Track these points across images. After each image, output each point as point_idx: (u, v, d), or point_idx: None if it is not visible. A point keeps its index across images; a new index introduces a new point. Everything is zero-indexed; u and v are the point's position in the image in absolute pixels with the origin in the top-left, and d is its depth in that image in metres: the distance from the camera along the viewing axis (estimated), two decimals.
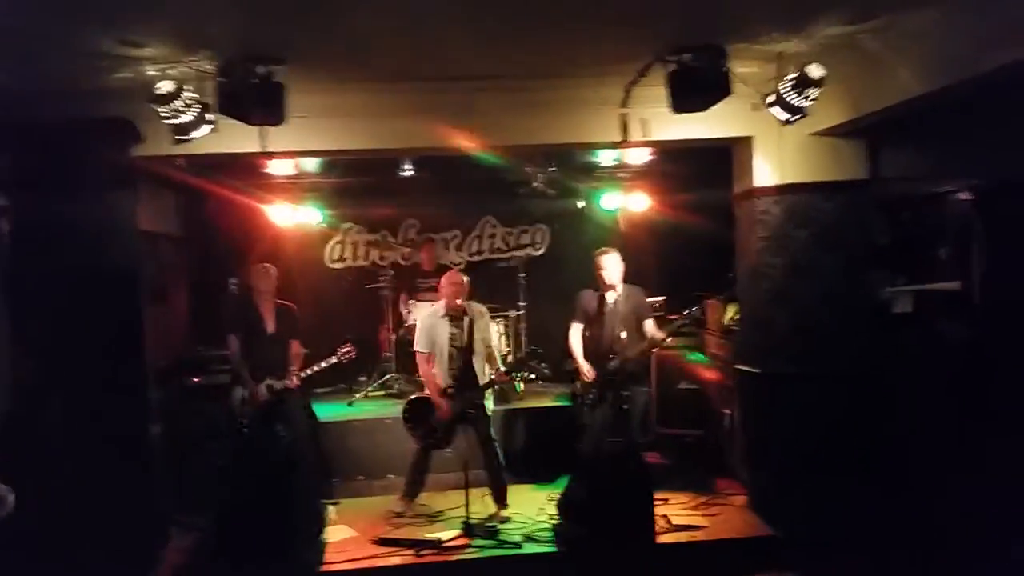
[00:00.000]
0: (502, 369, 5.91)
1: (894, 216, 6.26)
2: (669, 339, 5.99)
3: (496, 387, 6.01)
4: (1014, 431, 5.14)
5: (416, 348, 5.94)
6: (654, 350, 6.34)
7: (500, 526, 5.55)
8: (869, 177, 5.59)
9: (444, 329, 5.80)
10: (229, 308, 6.26)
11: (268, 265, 6.10)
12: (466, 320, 5.72)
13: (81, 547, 4.60)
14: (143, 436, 5.30)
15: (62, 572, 4.48)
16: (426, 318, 5.97)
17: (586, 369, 5.88)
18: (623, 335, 5.72)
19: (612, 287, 5.85)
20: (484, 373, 5.82)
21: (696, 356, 7.08)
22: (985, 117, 5.23)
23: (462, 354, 5.72)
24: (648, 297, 6.21)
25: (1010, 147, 5.34)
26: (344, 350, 6.09)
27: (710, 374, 6.87)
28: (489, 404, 5.90)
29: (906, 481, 5.37)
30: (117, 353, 5.08)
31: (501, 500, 5.81)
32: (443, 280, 5.90)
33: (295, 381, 5.91)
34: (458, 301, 5.75)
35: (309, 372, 6.02)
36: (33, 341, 4.84)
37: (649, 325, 5.89)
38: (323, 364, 6.03)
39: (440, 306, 5.90)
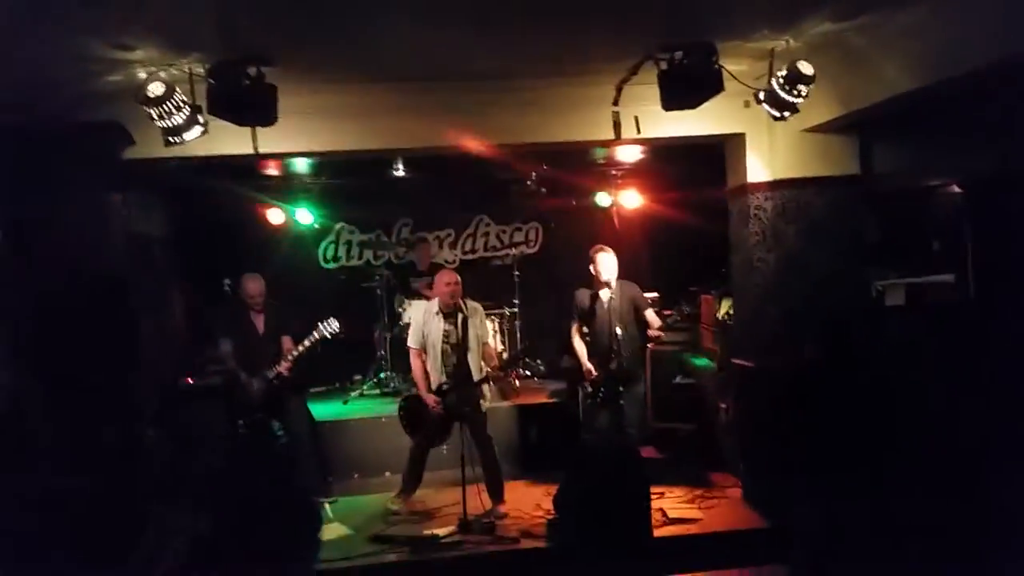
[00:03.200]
0: (496, 363, 5.91)
1: (885, 210, 6.27)
2: (662, 334, 6.03)
3: (491, 384, 6.01)
4: (1009, 423, 5.17)
5: (408, 344, 5.97)
6: (650, 345, 6.38)
7: (497, 522, 5.57)
8: (860, 172, 5.63)
9: (438, 326, 5.81)
10: (221, 314, 6.28)
11: (255, 274, 6.14)
12: (460, 317, 5.74)
13: (76, 549, 4.59)
14: (139, 438, 5.30)
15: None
16: (420, 315, 5.99)
17: (587, 367, 5.89)
18: (619, 331, 5.74)
19: (607, 284, 5.86)
20: (479, 370, 5.83)
21: (700, 360, 7.11)
22: (974, 111, 5.26)
23: (456, 351, 5.73)
24: (644, 293, 6.24)
25: (999, 141, 5.37)
26: (327, 323, 6.00)
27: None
28: (485, 401, 5.91)
29: (898, 473, 5.40)
30: (111, 356, 5.07)
31: (498, 496, 5.82)
32: (436, 279, 5.91)
33: (286, 366, 5.92)
34: (452, 300, 5.75)
35: (297, 352, 5.96)
36: (27, 345, 4.84)
37: (651, 315, 5.91)
38: (307, 342, 5.96)
39: (434, 304, 5.91)
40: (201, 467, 6.04)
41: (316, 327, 6.01)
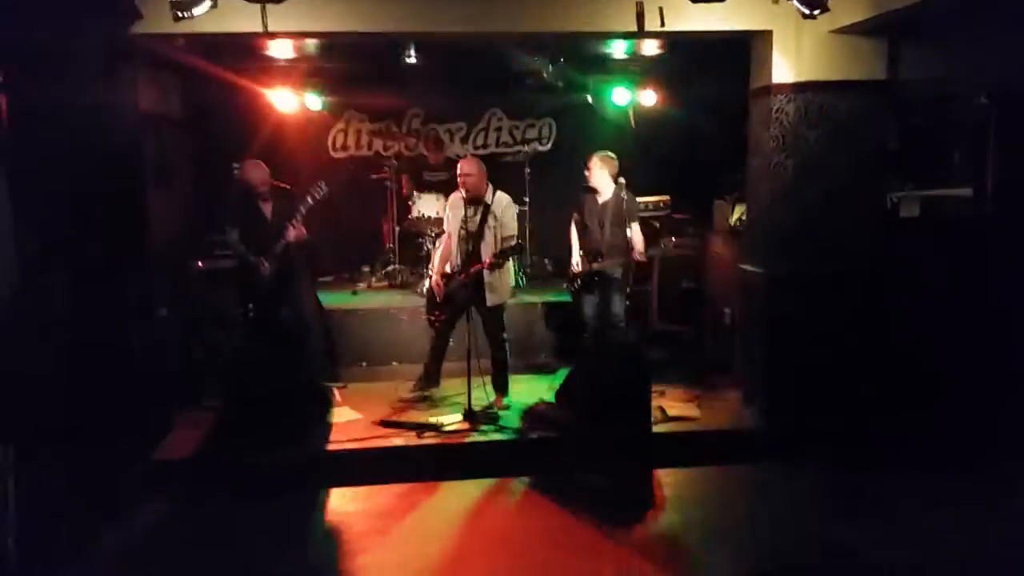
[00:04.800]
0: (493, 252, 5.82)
1: (909, 118, 6.12)
2: (643, 259, 6.15)
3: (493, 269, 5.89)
4: (1015, 337, 5.23)
5: (445, 228, 6.14)
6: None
7: (500, 413, 5.71)
8: (887, 78, 5.47)
9: (459, 214, 5.81)
10: (229, 203, 6.24)
11: (258, 162, 6.09)
12: (481, 206, 5.73)
13: (84, 427, 4.66)
14: (149, 316, 5.38)
15: (64, 453, 4.49)
16: (451, 201, 6.03)
17: (575, 260, 6.17)
18: (609, 235, 5.96)
19: (597, 190, 6.07)
20: None
21: None
22: (1005, 19, 5.06)
23: (472, 238, 5.76)
24: (655, 196, 6.23)
25: None
26: (316, 187, 5.96)
27: None
28: (506, 295, 5.95)
29: (898, 381, 5.49)
30: (120, 234, 5.08)
31: (503, 390, 5.95)
32: (458, 168, 5.82)
33: (291, 231, 5.88)
34: (465, 191, 5.68)
35: (297, 217, 5.93)
36: (35, 221, 4.82)
37: (635, 232, 6.03)
38: (303, 209, 5.93)
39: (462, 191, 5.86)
40: (212, 349, 6.17)
41: (308, 193, 5.93)
